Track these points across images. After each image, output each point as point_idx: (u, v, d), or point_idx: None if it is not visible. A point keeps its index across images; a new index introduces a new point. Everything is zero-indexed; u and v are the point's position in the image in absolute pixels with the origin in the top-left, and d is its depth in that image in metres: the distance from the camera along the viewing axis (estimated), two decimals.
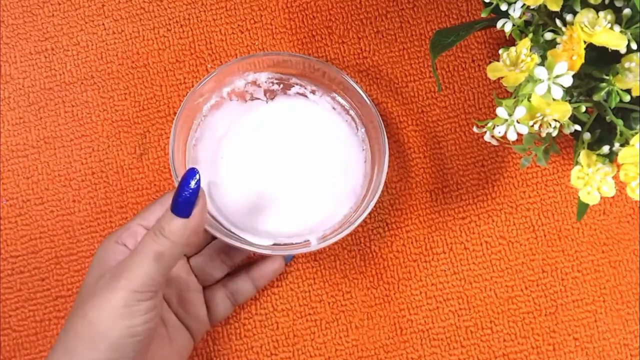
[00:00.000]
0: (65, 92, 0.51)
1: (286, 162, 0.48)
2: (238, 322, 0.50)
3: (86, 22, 0.51)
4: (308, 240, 0.45)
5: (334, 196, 0.48)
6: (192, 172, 0.39)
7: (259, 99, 0.49)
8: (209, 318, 0.46)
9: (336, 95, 0.48)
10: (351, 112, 0.48)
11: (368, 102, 0.46)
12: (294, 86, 0.49)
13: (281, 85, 0.49)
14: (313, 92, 0.49)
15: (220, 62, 0.51)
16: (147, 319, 0.38)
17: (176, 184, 0.44)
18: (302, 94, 0.49)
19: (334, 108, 0.49)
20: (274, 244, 0.46)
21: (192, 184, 0.39)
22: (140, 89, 0.51)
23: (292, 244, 0.46)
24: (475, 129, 0.40)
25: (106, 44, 0.51)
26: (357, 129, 0.49)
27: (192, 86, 0.51)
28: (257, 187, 0.47)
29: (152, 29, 0.51)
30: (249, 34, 0.51)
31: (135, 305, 0.38)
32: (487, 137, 0.39)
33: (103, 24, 0.51)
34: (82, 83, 0.51)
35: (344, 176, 0.48)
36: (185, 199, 0.39)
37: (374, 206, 0.50)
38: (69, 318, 0.40)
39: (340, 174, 0.48)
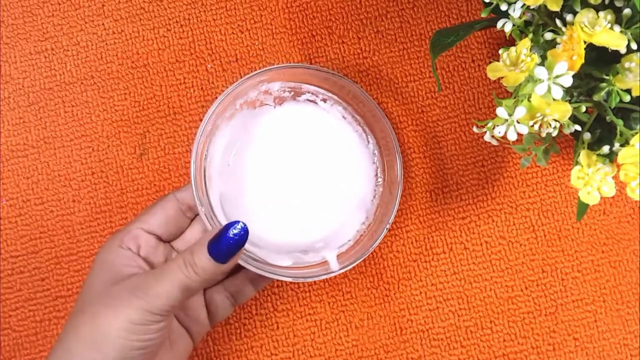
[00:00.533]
0: (65, 92, 0.51)
1: (294, 167, 0.47)
2: (238, 322, 0.50)
3: (86, 22, 0.51)
4: (325, 260, 0.45)
5: (344, 204, 0.47)
6: (238, 225, 0.40)
7: (267, 104, 0.48)
8: (208, 320, 0.46)
9: (348, 107, 0.48)
10: (363, 124, 0.48)
11: (383, 118, 0.46)
12: (304, 94, 0.48)
13: (292, 93, 0.48)
14: (324, 100, 0.48)
15: (220, 62, 0.51)
16: (157, 335, 0.39)
17: (204, 218, 0.43)
18: (312, 101, 0.48)
19: (344, 117, 0.48)
20: (294, 264, 0.46)
21: (239, 237, 0.40)
22: (140, 89, 0.51)
23: (311, 265, 0.46)
24: (475, 129, 0.40)
25: (106, 44, 0.51)
26: (368, 141, 0.48)
27: (192, 86, 0.51)
28: (267, 194, 0.47)
29: (152, 29, 0.51)
30: (249, 34, 0.51)
31: (150, 325, 0.39)
32: (487, 137, 0.39)
33: (103, 24, 0.51)
34: (82, 83, 0.51)
35: (353, 185, 0.48)
36: (228, 251, 0.40)
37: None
38: (71, 319, 0.40)
39: (350, 182, 0.48)
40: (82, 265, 0.50)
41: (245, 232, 0.40)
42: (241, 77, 0.49)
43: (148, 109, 0.51)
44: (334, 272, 0.44)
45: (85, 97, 0.51)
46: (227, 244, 0.40)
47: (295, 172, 0.47)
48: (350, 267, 0.45)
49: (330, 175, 0.48)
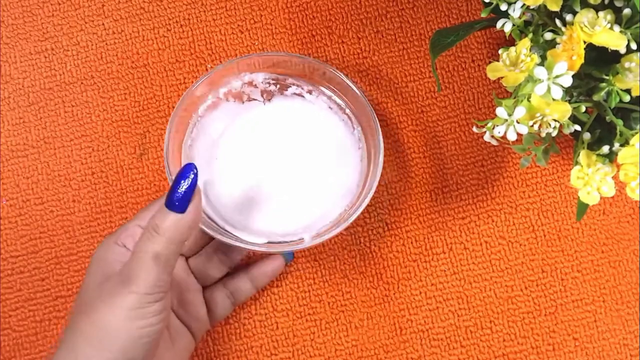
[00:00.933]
0: (65, 92, 0.51)
1: (282, 162, 0.48)
2: (238, 322, 0.50)
3: (86, 22, 0.51)
4: (302, 239, 0.46)
5: (330, 195, 0.48)
6: (188, 167, 0.39)
7: (255, 99, 0.49)
8: (209, 317, 0.46)
9: (332, 95, 0.48)
10: (347, 110, 0.48)
11: (363, 99, 0.46)
12: (290, 86, 0.48)
13: (278, 86, 0.48)
14: (310, 92, 0.48)
15: (221, 62, 0.51)
16: (158, 319, 0.38)
17: (170, 183, 0.44)
18: (298, 94, 0.49)
19: (330, 107, 0.49)
20: (269, 242, 0.46)
21: (189, 179, 0.39)
22: (140, 89, 0.51)
23: (287, 243, 0.46)
24: (475, 129, 0.40)
25: (106, 44, 0.51)
26: (354, 128, 0.49)
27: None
28: (253, 186, 0.47)
29: (152, 29, 0.51)
30: (249, 34, 0.51)
31: (147, 307, 0.38)
32: (486, 137, 0.39)
33: (103, 24, 0.51)
34: (82, 83, 0.51)
35: (340, 175, 0.48)
36: (181, 194, 0.39)
37: (374, 206, 0.50)
38: (73, 321, 0.39)
39: (337, 174, 0.48)
40: (82, 265, 0.50)
41: (194, 170, 0.39)
42: None
43: (148, 109, 0.51)
44: (305, 244, 0.44)
45: (85, 97, 0.51)
46: (179, 186, 0.39)
47: (283, 166, 0.48)
48: (324, 238, 0.44)
49: (318, 170, 0.48)
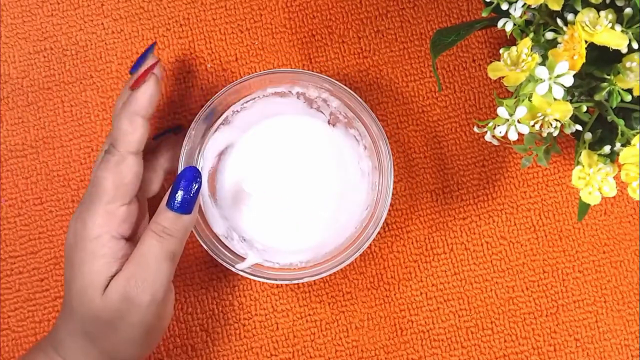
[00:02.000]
0: (64, 92, 0.51)
1: (287, 179, 0.48)
2: (238, 322, 0.50)
3: (85, 22, 0.51)
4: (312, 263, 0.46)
5: (336, 217, 0.48)
6: (192, 170, 0.41)
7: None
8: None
9: (340, 111, 0.48)
10: (356, 124, 0.47)
11: (374, 118, 0.46)
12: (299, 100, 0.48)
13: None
14: (317, 108, 0.48)
15: (220, 61, 0.51)
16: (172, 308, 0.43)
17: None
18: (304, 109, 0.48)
19: (336, 123, 0.48)
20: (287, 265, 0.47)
21: (197, 182, 0.41)
22: None
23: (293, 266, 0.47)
24: (476, 129, 0.40)
25: (105, 43, 0.51)
26: (359, 143, 0.48)
27: (192, 85, 0.51)
28: (258, 204, 0.48)
29: (151, 28, 0.51)
30: (249, 33, 0.51)
31: (169, 307, 0.42)
32: (488, 137, 0.39)
33: (102, 24, 0.51)
34: (81, 83, 0.51)
35: (345, 195, 0.48)
36: (192, 198, 0.41)
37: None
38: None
39: (341, 192, 0.48)
40: None
41: (199, 174, 0.41)
42: (241, 77, 0.49)
43: None
44: (324, 273, 0.45)
45: (84, 96, 0.51)
46: (190, 190, 0.41)
47: (287, 182, 0.48)
48: (331, 272, 0.45)
49: (322, 187, 0.48)
